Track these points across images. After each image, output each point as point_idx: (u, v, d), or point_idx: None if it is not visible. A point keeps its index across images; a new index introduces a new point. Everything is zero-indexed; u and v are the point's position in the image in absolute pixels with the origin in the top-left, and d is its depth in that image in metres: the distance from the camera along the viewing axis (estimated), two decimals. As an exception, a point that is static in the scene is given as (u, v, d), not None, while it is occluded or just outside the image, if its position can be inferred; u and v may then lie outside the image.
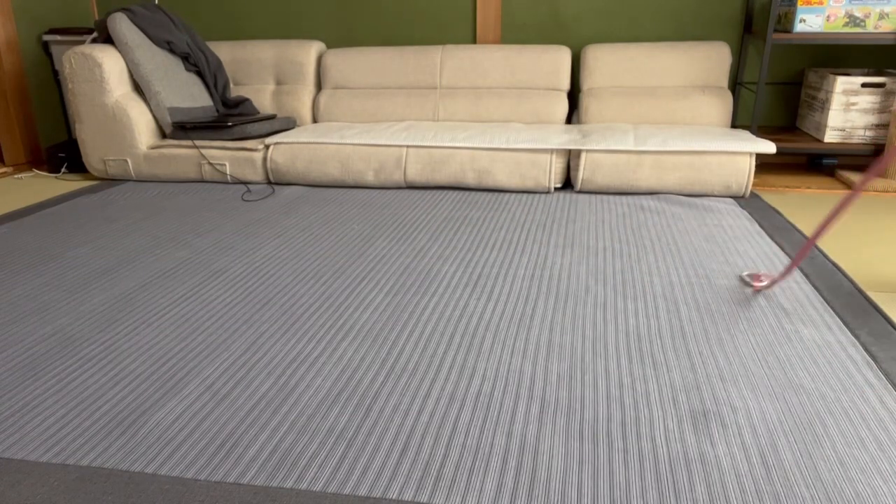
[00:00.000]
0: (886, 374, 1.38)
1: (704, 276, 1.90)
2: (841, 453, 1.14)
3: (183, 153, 3.06)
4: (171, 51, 3.24)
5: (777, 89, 3.37)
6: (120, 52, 3.11)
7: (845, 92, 2.90)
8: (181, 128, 3.10)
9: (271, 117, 3.25)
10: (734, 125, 3.38)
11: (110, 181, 3.19)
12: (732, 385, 1.35)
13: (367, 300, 1.78)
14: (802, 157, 3.38)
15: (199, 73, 3.38)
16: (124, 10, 3.13)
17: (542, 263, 2.03)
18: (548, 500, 1.04)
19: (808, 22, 2.83)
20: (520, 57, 3.30)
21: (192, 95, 3.28)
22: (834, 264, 1.98)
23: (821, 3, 2.80)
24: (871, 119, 2.93)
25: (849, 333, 1.56)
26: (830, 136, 2.97)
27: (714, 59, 3.15)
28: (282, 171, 2.99)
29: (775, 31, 2.93)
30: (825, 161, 3.16)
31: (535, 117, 3.25)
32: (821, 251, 2.10)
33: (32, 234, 2.39)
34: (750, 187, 2.70)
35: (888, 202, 2.67)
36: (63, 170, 3.38)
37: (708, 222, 2.40)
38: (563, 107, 3.25)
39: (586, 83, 3.28)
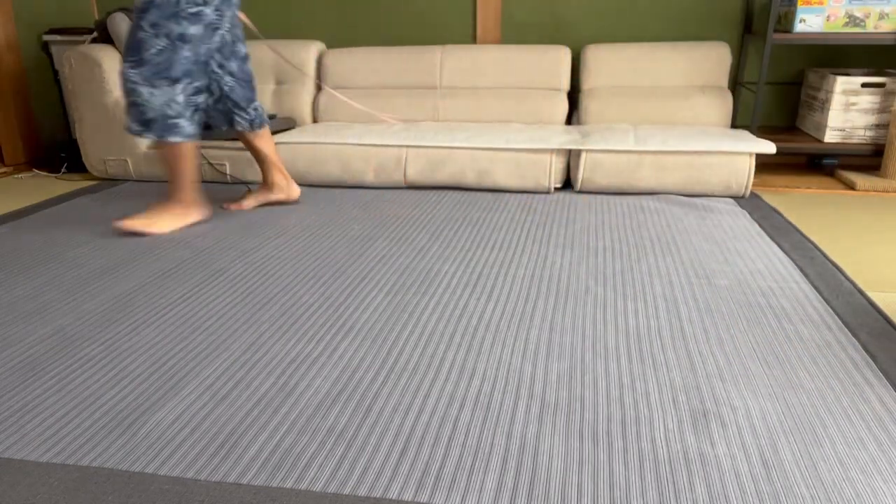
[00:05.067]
0: (886, 374, 1.38)
1: (704, 276, 1.90)
2: (841, 453, 1.14)
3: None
4: (171, 51, 3.24)
5: (777, 89, 3.37)
6: (120, 51, 3.11)
7: (845, 92, 2.90)
8: (181, 128, 3.09)
9: (271, 117, 3.25)
10: (734, 125, 3.38)
11: (110, 181, 3.19)
12: (732, 385, 1.35)
13: (367, 300, 1.78)
14: (802, 157, 3.38)
15: (199, 73, 3.38)
16: (124, 10, 3.13)
17: (542, 263, 2.03)
18: (548, 500, 1.04)
19: (808, 22, 2.83)
20: (520, 57, 3.30)
21: (192, 95, 3.28)
22: (834, 264, 1.98)
23: (821, 3, 2.80)
24: (871, 119, 2.93)
25: (849, 333, 1.56)
26: (830, 136, 2.97)
27: (714, 59, 3.15)
28: (282, 171, 2.99)
29: (775, 31, 2.93)
30: (825, 161, 3.16)
31: (534, 117, 3.25)
32: (820, 251, 2.10)
33: (32, 234, 2.39)
34: (750, 187, 2.70)
35: (888, 202, 2.67)
36: (63, 170, 3.38)
37: (708, 222, 2.40)
38: (562, 107, 3.25)
39: (586, 83, 3.28)
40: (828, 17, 2.81)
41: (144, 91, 2.16)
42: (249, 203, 2.65)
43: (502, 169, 2.81)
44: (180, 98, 2.20)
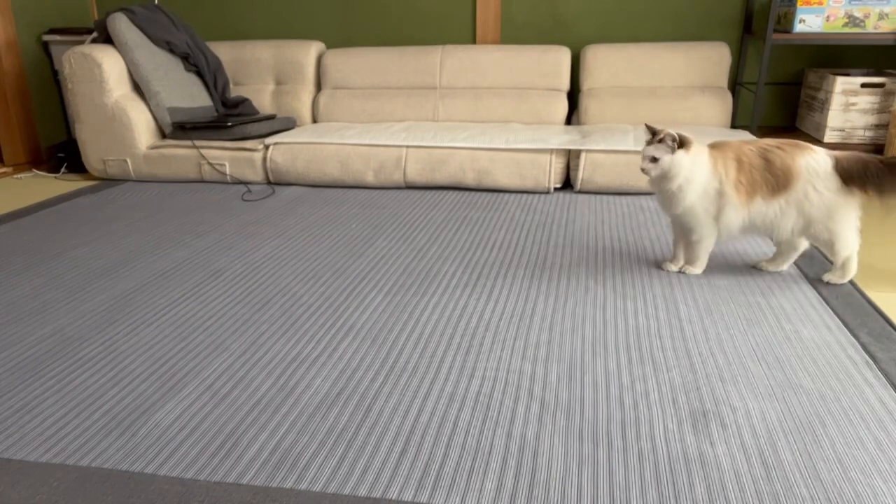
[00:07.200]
0: (886, 374, 1.38)
1: (704, 276, 1.90)
2: (841, 453, 1.14)
3: (183, 153, 3.06)
4: (171, 51, 3.24)
5: (777, 89, 3.37)
6: (120, 52, 3.11)
7: (845, 92, 2.90)
8: (181, 128, 3.09)
9: (271, 117, 3.25)
10: (734, 125, 3.38)
11: (110, 181, 3.19)
12: (732, 385, 1.35)
13: (367, 300, 1.78)
14: (802, 158, 3.38)
15: (199, 73, 3.38)
16: (124, 10, 3.13)
17: (542, 263, 2.03)
18: (548, 500, 1.04)
19: (808, 22, 2.83)
20: (520, 57, 3.30)
21: (191, 95, 3.28)
22: (832, 263, 1.98)
23: (820, 3, 2.80)
24: (871, 119, 2.93)
25: (849, 333, 1.56)
26: (830, 137, 2.97)
27: (714, 59, 3.15)
28: (281, 171, 2.99)
29: (775, 31, 2.93)
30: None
31: (534, 117, 3.25)
32: (820, 251, 2.10)
33: (32, 234, 2.39)
34: (750, 187, 2.69)
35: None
36: (63, 170, 3.38)
37: (708, 222, 2.40)
38: (562, 107, 3.25)
39: (586, 83, 3.28)
40: (827, 17, 2.81)
41: None
42: None
43: (502, 169, 2.81)
44: None
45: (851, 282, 1.85)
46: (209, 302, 1.79)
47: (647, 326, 1.61)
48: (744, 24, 3.29)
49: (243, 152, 3.01)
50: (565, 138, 2.84)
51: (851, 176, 1.70)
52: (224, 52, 3.56)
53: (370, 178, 2.93)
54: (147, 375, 1.42)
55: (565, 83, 3.30)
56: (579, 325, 1.62)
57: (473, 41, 3.53)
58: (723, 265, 1.99)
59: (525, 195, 2.80)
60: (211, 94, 3.39)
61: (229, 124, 3.03)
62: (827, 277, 1.85)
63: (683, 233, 1.90)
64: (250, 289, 1.87)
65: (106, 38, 3.17)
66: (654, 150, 1.76)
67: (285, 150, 2.97)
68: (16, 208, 2.76)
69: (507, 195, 2.81)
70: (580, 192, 2.84)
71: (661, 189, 1.82)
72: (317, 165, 2.95)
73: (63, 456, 1.17)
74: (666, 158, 1.75)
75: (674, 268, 1.94)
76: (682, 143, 1.75)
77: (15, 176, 3.36)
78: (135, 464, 1.14)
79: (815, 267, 1.97)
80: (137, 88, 3.19)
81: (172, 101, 3.16)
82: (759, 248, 2.13)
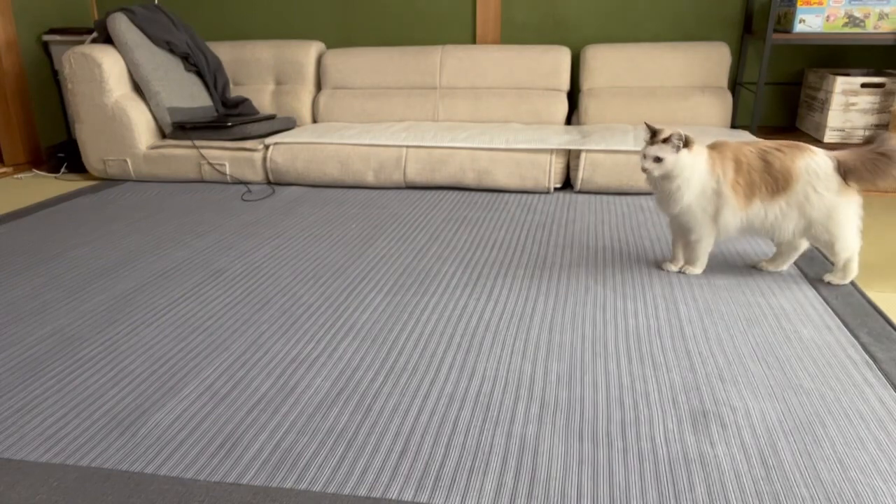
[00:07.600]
0: (886, 374, 1.38)
1: (704, 276, 1.90)
2: (841, 453, 1.14)
3: (182, 153, 3.05)
4: (171, 51, 3.24)
5: (777, 89, 3.37)
6: (119, 52, 3.11)
7: (845, 92, 2.90)
8: (181, 128, 3.09)
9: (271, 117, 3.25)
10: (734, 125, 3.38)
11: (110, 181, 3.18)
12: (732, 385, 1.35)
13: (367, 300, 1.78)
14: (802, 158, 3.37)
15: (199, 73, 3.38)
16: (124, 10, 3.13)
17: (542, 263, 2.03)
18: (548, 500, 1.04)
19: (808, 22, 2.83)
20: (519, 57, 3.30)
21: (191, 95, 3.28)
22: (833, 264, 1.98)
23: (820, 3, 2.80)
24: (871, 119, 2.93)
25: (849, 333, 1.56)
26: (830, 137, 2.97)
27: (714, 59, 3.15)
28: (281, 171, 2.99)
29: (775, 31, 2.93)
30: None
31: (534, 117, 3.25)
32: (820, 251, 2.10)
33: (32, 234, 2.39)
34: (750, 187, 2.69)
35: (888, 202, 2.67)
36: (63, 170, 3.38)
37: (708, 222, 2.40)
38: (562, 107, 3.25)
39: (586, 83, 3.28)
40: (827, 17, 2.81)
41: None
42: None
43: (502, 169, 2.81)
44: None
45: (851, 282, 1.85)
46: (209, 302, 1.79)
47: (647, 326, 1.61)
48: (744, 24, 3.29)
49: (243, 152, 3.01)
50: (565, 138, 2.84)
51: (862, 175, 1.69)
52: (224, 52, 3.56)
53: (370, 178, 2.93)
54: (147, 375, 1.42)
55: (565, 83, 3.30)
56: (579, 325, 1.62)
57: (473, 41, 3.53)
58: (723, 265, 1.99)
59: (525, 195, 2.80)
60: (211, 94, 3.39)
61: (229, 124, 3.03)
62: (828, 278, 1.85)
63: (682, 233, 1.90)
64: (250, 289, 1.87)
65: (106, 38, 3.17)
66: (657, 150, 1.76)
67: (285, 150, 2.97)
68: (16, 208, 2.76)
69: (507, 195, 2.81)
70: (580, 192, 2.84)
71: (660, 189, 1.82)
72: (317, 165, 2.95)
73: (63, 456, 1.17)
74: (670, 158, 1.75)
75: (674, 268, 1.95)
76: (686, 143, 1.74)
77: (15, 176, 3.36)
78: (135, 464, 1.14)
79: (816, 267, 1.97)
80: (137, 88, 3.19)
81: (172, 101, 3.16)
82: (759, 248, 2.13)
